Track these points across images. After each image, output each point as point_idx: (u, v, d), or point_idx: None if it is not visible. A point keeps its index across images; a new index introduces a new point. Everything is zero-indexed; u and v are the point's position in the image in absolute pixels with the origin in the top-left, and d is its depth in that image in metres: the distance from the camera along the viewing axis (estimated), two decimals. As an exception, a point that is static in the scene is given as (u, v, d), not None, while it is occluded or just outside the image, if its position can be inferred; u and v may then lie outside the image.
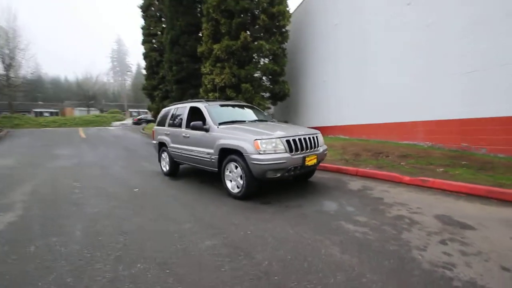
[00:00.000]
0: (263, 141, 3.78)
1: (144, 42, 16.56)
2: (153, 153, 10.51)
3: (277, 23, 10.99)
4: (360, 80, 9.33)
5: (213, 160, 4.46)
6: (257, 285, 1.93)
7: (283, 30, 11.42)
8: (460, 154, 5.88)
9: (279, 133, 4.02)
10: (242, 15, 11.02)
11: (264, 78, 11.66)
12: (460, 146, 6.18)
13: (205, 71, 11.56)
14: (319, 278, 1.97)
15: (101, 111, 43.53)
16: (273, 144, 3.80)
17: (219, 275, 2.07)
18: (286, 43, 11.80)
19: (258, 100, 11.18)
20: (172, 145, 5.72)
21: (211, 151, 4.47)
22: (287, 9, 11.20)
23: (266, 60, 11.68)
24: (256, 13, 10.84)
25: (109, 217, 3.45)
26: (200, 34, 14.24)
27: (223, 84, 10.97)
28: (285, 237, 2.69)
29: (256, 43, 11.01)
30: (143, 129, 19.36)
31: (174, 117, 5.89)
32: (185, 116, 5.44)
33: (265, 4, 10.64)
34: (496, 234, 2.56)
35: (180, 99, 14.28)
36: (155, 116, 17.84)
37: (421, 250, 2.33)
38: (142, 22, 17.19)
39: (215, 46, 11.15)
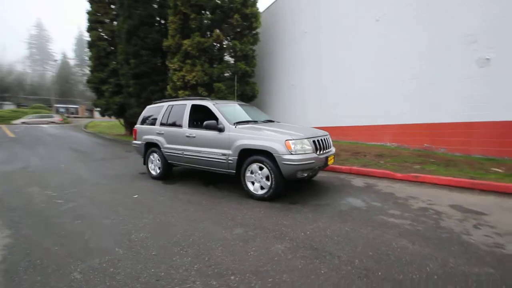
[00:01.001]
0: (294, 142, 3.81)
1: (90, 29, 14.50)
2: (117, 155, 9.47)
3: (249, 24, 11.03)
4: (327, 85, 10.06)
5: (230, 162, 4.28)
6: (371, 282, 1.98)
7: (254, 32, 11.53)
8: (425, 153, 6.91)
9: (304, 133, 4.11)
10: (214, 12, 10.73)
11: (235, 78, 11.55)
12: (423, 146, 7.25)
13: (174, 67, 10.86)
14: (417, 269, 2.14)
15: (18, 105, 36.53)
16: (303, 145, 3.87)
17: (326, 277, 2.05)
18: (255, 45, 11.94)
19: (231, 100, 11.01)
20: (167, 145, 5.26)
21: (228, 152, 4.28)
22: (259, 11, 11.35)
23: (233, 60, 11.62)
24: (229, 12, 10.66)
25: (140, 230, 3.01)
26: (164, 27, 13.38)
27: (194, 82, 10.48)
28: (347, 234, 2.79)
29: (229, 42, 10.85)
30: (85, 127, 17.02)
31: (169, 115, 5.42)
32: (186, 115, 5.07)
33: (238, 4, 10.56)
34: (506, 218, 3.15)
35: (139, 95, 13.08)
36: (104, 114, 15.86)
37: (467, 235, 2.72)
38: (87, 6, 15.06)
39: (185, 42, 10.59)
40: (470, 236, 2.70)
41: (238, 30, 11.05)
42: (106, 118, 19.09)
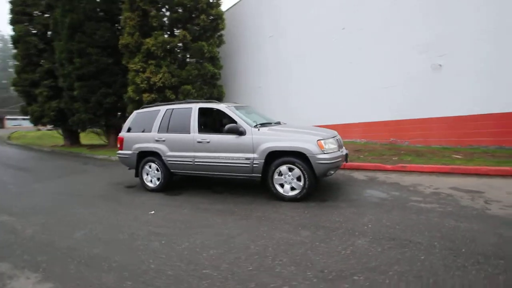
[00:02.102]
0: (325, 141, 3.97)
1: (14, 22, 11.89)
2: (71, 170, 8.13)
3: (215, 26, 10.80)
4: (294, 88, 10.60)
5: (255, 166, 4.19)
6: (467, 258, 2.24)
7: (219, 34, 11.33)
8: (393, 147, 7.91)
9: (326, 133, 4.30)
10: (177, 11, 10.17)
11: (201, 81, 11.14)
12: (389, 141, 8.28)
13: (135, 68, 9.87)
14: (486, 242, 2.50)
15: None
16: (331, 144, 4.06)
17: (431, 263, 2.21)
18: (220, 47, 11.74)
19: (201, 103, 10.58)
20: (171, 153, 4.83)
21: (252, 155, 4.18)
22: (223, 12, 11.21)
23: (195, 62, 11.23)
24: (194, 11, 10.23)
25: (205, 247, 2.72)
26: (116, 23, 12.03)
27: (161, 84, 9.73)
28: (403, 222, 3.06)
29: (196, 43, 10.41)
30: (9, 139, 14.03)
31: (169, 120, 4.96)
32: (193, 119, 4.73)
33: (204, 4, 10.22)
34: (501, 194, 3.88)
35: (87, 99, 11.44)
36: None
37: (489, 210, 3.29)
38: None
39: (148, 41, 9.77)
40: (491, 210, 3.28)
41: (203, 31, 10.71)
42: (28, 127, 16.02)
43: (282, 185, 4.13)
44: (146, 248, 2.74)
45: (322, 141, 3.94)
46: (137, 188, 5.47)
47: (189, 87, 10.07)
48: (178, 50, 10.32)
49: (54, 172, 7.67)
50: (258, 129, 4.29)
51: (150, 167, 5.12)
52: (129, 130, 5.41)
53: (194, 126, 4.71)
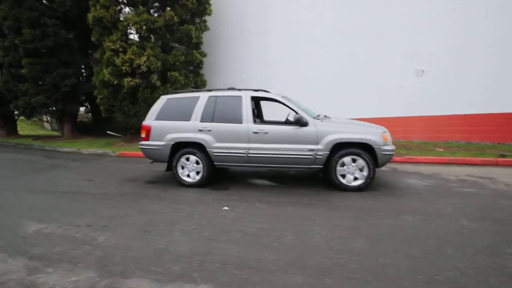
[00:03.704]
0: (387, 134, 4.25)
1: None
2: (46, 165, 6.66)
3: (203, 10, 10.10)
4: (281, 81, 10.80)
5: (318, 157, 4.22)
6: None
7: (204, 19, 10.65)
8: (381, 141, 8.84)
9: (380, 127, 4.59)
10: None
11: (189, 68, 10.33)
12: (375, 135, 9.22)
13: (113, 47, 8.51)
14: None
15: None
16: (389, 137, 4.37)
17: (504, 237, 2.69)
18: (203, 34, 11.04)
19: (188, 92, 9.84)
20: (218, 145, 4.46)
21: (316, 147, 4.20)
22: (210, -3, 10.55)
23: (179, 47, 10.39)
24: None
25: (347, 242, 2.66)
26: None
27: (146, 69, 8.67)
28: (469, 203, 3.56)
29: (183, 26, 9.56)
30: None
31: (214, 109, 4.54)
32: (246, 108, 4.47)
33: (191, -15, 9.45)
34: (509, 178, 4.80)
35: (40, 79, 9.39)
36: None
37: (517, 191, 4.07)
38: None
39: (130, 17, 8.58)
40: (520, 191, 4.08)
41: (190, 14, 9.92)
42: None
43: (343, 176, 4.27)
44: (284, 244, 2.53)
45: (386, 134, 4.22)
46: (164, 183, 4.88)
47: (176, 73, 9.26)
48: (161, 33, 9.31)
49: (22, 168, 6.15)
50: (322, 121, 4.32)
51: (188, 159, 4.61)
52: (159, 118, 4.74)
53: (248, 115, 4.43)
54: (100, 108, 9.66)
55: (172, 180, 5.07)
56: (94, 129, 13.35)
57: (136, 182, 5.04)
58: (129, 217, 3.30)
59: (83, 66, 9.85)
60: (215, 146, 4.46)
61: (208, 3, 10.17)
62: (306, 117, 4.27)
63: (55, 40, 9.09)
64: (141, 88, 8.86)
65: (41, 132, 11.66)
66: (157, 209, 3.58)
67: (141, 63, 8.51)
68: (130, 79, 8.56)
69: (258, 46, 11.31)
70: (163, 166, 5.63)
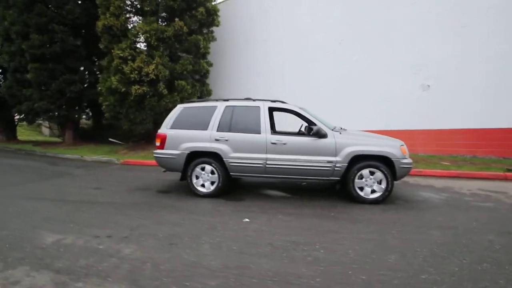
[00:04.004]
0: (405, 147, 4.27)
1: None
2: (49, 172, 6.51)
3: (211, 21, 10.25)
4: (287, 93, 10.89)
5: (337, 169, 4.20)
6: None
7: (211, 29, 10.80)
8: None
9: (396, 140, 4.61)
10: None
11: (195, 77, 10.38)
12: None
13: (122, 55, 8.52)
14: None
15: None
16: (407, 150, 4.38)
17: None
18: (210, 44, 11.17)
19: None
20: (235, 155, 4.42)
21: (335, 158, 4.19)
22: (218, 8, 10.73)
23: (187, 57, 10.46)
24: (192, 3, 9.48)
25: (383, 253, 2.61)
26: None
27: (154, 77, 8.67)
28: (491, 218, 3.55)
29: (191, 36, 9.66)
30: None
31: (231, 118, 4.52)
32: (264, 119, 4.47)
33: (201, -3, 9.61)
34: (517, 193, 4.84)
35: (45, 85, 9.31)
36: None
37: (534, 207, 4.08)
38: None
39: (141, 26, 8.63)
40: (537, 207, 4.09)
41: (198, 25, 10.05)
42: None
43: (361, 189, 4.24)
44: (318, 259, 2.46)
45: (404, 147, 4.24)
46: (177, 193, 4.81)
47: (183, 82, 9.28)
48: (170, 42, 9.37)
49: (28, 174, 6.00)
50: (340, 133, 4.33)
51: (203, 169, 4.54)
52: (174, 126, 4.69)
53: (266, 126, 4.42)
54: (105, 115, 9.57)
55: (185, 189, 4.99)
56: (95, 136, 13.19)
57: (148, 191, 4.95)
58: (149, 227, 3.20)
59: (86, 73, 9.78)
60: (232, 156, 4.42)
61: (217, 15, 10.35)
62: (325, 129, 4.28)
63: (63, 46, 9.07)
64: (148, 96, 8.84)
65: (39, 137, 11.42)
66: (176, 220, 3.49)
67: (150, 71, 8.52)
68: (138, 87, 8.54)
69: (263, 55, 11.46)
70: (173, 175, 5.59)
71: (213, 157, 4.50)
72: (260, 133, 4.40)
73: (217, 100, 4.87)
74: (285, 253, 2.58)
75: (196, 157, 4.57)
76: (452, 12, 7.94)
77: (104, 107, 9.18)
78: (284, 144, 4.32)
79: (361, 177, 4.20)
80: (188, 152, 4.53)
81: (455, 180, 5.92)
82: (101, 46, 9.00)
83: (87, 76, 10.17)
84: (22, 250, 2.60)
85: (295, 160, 4.29)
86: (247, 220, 3.50)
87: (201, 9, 9.49)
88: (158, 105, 8.99)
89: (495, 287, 2.04)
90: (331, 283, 2.07)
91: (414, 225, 3.34)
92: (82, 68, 9.48)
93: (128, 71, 8.40)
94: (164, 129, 4.75)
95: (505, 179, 5.93)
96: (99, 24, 8.70)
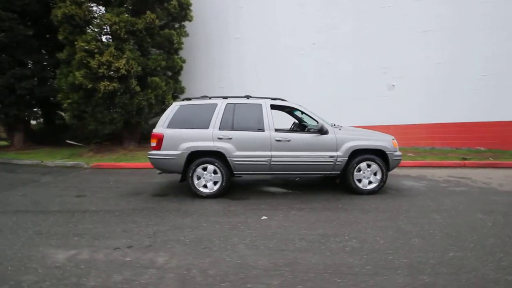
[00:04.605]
0: (395, 141, 4.66)
1: None
2: (10, 180, 5.60)
3: (184, 15, 9.81)
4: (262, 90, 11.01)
5: (338, 163, 4.42)
6: (547, 218, 3.39)
7: (182, 24, 10.34)
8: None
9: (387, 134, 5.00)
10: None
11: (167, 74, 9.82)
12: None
13: (87, 47, 7.68)
14: None
15: None
16: (396, 143, 4.78)
17: None
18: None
19: (169, 99, 9.38)
20: (239, 153, 4.36)
21: (336, 153, 4.40)
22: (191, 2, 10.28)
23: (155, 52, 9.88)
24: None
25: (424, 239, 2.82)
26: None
27: (125, 72, 8.01)
28: (468, 200, 4.10)
29: (163, 30, 9.12)
30: None
31: (233, 116, 4.44)
32: (268, 117, 4.48)
33: (173, -11, 9.13)
34: (482, 177, 5.62)
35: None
36: None
37: (500, 187, 4.80)
38: None
39: (109, 16, 7.88)
40: (502, 187, 4.81)
41: (171, 18, 9.56)
42: None
43: (359, 180, 4.53)
44: (355, 248, 2.58)
45: (394, 141, 4.63)
46: (175, 196, 4.57)
47: (157, 79, 8.76)
48: (141, 35, 8.73)
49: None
50: (339, 129, 4.55)
51: (204, 169, 4.38)
52: (171, 125, 4.42)
53: (269, 123, 4.43)
54: (66, 114, 8.55)
55: (181, 191, 4.79)
56: (47, 138, 11.70)
57: (142, 196, 4.60)
58: (168, 233, 3.00)
59: (42, 68, 8.56)
60: (236, 155, 4.34)
61: (189, 9, 9.93)
62: (326, 126, 4.46)
63: (11, 36, 7.81)
64: (119, 93, 8.13)
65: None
66: (192, 223, 3.32)
67: (121, 67, 7.83)
68: (108, 83, 7.79)
69: (237, 53, 11.35)
70: (159, 177, 5.39)
71: (216, 156, 4.37)
72: (264, 131, 4.41)
73: (215, 98, 4.73)
74: (322, 246, 2.66)
75: (197, 157, 4.39)
76: (414, 19, 8.83)
77: (65, 105, 8.18)
78: (289, 141, 4.39)
79: (359, 169, 4.48)
80: (189, 152, 4.32)
81: (425, 169, 6.67)
82: (60, 37, 7.98)
83: (40, 71, 8.91)
84: (34, 272, 2.24)
85: (299, 157, 4.39)
86: (265, 217, 3.50)
87: (174, 1, 9.02)
88: (131, 103, 8.34)
89: (508, 257, 2.39)
90: (381, 269, 2.21)
91: (414, 211, 3.70)
92: (37, 62, 8.26)
93: (95, 66, 7.60)
94: (160, 128, 4.45)
95: (464, 166, 6.87)
96: (58, 12, 7.69)
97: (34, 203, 4.25)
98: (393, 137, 4.71)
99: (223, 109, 4.48)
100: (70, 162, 7.62)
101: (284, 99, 4.85)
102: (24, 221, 3.45)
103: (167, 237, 2.89)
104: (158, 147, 4.40)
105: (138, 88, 8.43)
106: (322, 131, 4.38)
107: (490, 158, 7.44)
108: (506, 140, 8.37)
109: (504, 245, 2.62)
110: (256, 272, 2.19)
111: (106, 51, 7.82)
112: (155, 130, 4.47)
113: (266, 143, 4.38)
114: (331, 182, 5.23)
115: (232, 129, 4.41)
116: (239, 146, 4.37)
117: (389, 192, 4.62)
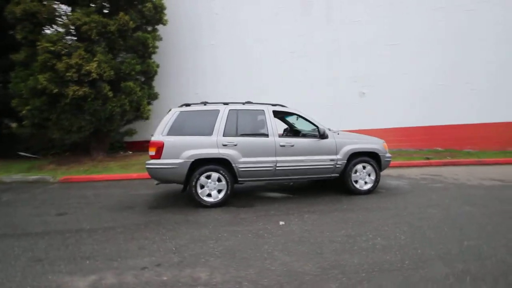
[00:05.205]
0: (385, 144, 5.03)
1: None
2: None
3: (159, 18, 9.41)
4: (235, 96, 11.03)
5: (338, 166, 4.64)
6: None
7: (156, 27, 9.91)
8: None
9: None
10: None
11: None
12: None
13: (52, 48, 6.89)
14: (494, 195, 4.39)
15: None
16: (386, 146, 5.16)
17: (502, 208, 3.75)
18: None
19: (145, 105, 8.87)
20: (245, 159, 4.32)
21: (336, 157, 4.61)
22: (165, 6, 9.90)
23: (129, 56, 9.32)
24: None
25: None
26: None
27: (97, 76, 7.37)
28: (450, 195, 4.61)
29: (137, 33, 8.63)
30: None
31: (237, 122, 4.37)
32: (271, 122, 4.52)
33: (147, -9, 8.73)
34: (451, 174, 6.33)
35: None
36: None
37: (469, 182, 5.45)
38: None
39: (77, 16, 7.22)
40: (469, 182, 5.47)
41: (145, 21, 9.10)
42: None
43: (356, 182, 4.78)
44: (384, 246, 2.70)
45: (385, 144, 5.00)
46: (174, 207, 4.29)
47: (131, 84, 8.24)
48: (113, 37, 8.15)
49: None
50: (338, 133, 4.77)
51: (208, 177, 4.21)
52: (172, 133, 4.18)
53: (273, 129, 4.45)
54: (24, 122, 7.50)
55: (179, 202, 4.58)
56: (-8, 150, 10.13)
57: (137, 209, 4.25)
58: (192, 247, 2.81)
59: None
60: (242, 161, 4.27)
61: (163, 12, 9.57)
62: (326, 131, 4.64)
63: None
64: (89, 99, 7.42)
65: None
66: (211, 234, 3.16)
67: (92, 70, 7.19)
68: (77, 87, 7.07)
69: (212, 60, 11.23)
70: (146, 189, 5.19)
71: (220, 163, 4.25)
72: (268, 136, 4.42)
73: (215, 104, 4.61)
74: (353, 246, 2.75)
75: (199, 165, 4.21)
76: (384, 32, 9.69)
77: (25, 111, 7.17)
78: (292, 146, 4.47)
79: (355, 171, 4.75)
80: (193, 160, 4.13)
81: (400, 169, 7.28)
82: (19, 37, 7.01)
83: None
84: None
85: (302, 161, 4.49)
86: (282, 223, 3.49)
87: (149, 4, 8.63)
88: (103, 109, 7.66)
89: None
90: (419, 263, 2.37)
91: (411, 207, 4.02)
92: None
93: (62, 69, 6.83)
94: (159, 136, 4.18)
95: (430, 165, 7.68)
96: (17, 9, 6.76)
97: (9, 225, 3.64)
98: (383, 141, 5.09)
99: (226, 115, 4.39)
100: (32, 177, 6.69)
101: (284, 105, 4.93)
102: (8, 247, 2.93)
103: (194, 251, 2.71)
104: (157, 156, 4.12)
105: (110, 94, 7.80)
106: (324, 136, 4.55)
107: (448, 157, 8.44)
108: (458, 141, 9.57)
109: (502, 231, 3.00)
110: (309, 277, 2.17)
111: (75, 53, 7.12)
112: (154, 138, 4.18)
113: (271, 149, 4.39)
114: (322, 185, 5.46)
115: (236, 135, 4.34)
116: (245, 153, 4.31)
117: (381, 192, 4.95)
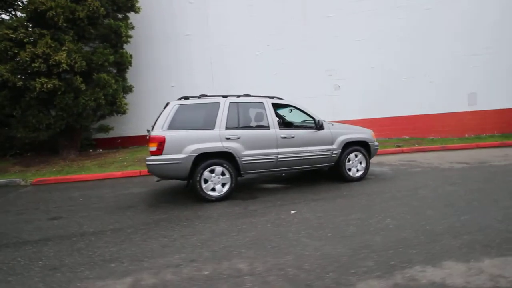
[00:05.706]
0: (373, 133, 5.39)
1: None
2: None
3: (130, 5, 8.79)
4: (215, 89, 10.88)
5: (334, 155, 4.89)
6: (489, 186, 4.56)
7: (127, 15, 9.25)
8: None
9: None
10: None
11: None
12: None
13: (13, 35, 6.08)
14: (475, 176, 5.02)
15: None
16: (374, 135, 5.52)
17: (483, 187, 4.31)
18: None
19: (121, 99, 8.32)
20: (248, 152, 4.35)
21: (332, 147, 4.86)
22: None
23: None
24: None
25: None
26: None
27: (67, 67, 6.71)
28: (432, 178, 5.14)
29: (109, 21, 7.99)
30: None
31: (238, 115, 4.36)
32: (271, 115, 4.59)
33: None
34: (425, 160, 6.99)
35: None
36: None
37: (440, 165, 6.09)
38: None
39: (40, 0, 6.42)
40: (441, 166, 6.11)
41: (116, 8, 8.45)
42: None
43: (349, 169, 5.08)
44: (399, 227, 2.94)
45: (373, 133, 5.35)
46: (178, 204, 4.17)
47: (105, 76, 7.67)
48: (83, 25, 7.44)
49: None
50: (332, 124, 4.99)
51: (212, 171, 4.15)
52: (173, 127, 4.01)
53: (273, 121, 4.52)
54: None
55: (181, 198, 4.50)
56: None
57: (137, 208, 4.06)
58: (217, 241, 2.79)
59: None
60: (245, 154, 4.28)
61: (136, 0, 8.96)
62: (321, 122, 4.83)
63: None
64: (59, 92, 6.74)
65: None
66: (230, 227, 3.16)
67: (62, 60, 6.51)
68: (46, 80, 6.36)
69: (187, 51, 10.85)
70: (139, 187, 5.15)
71: (224, 157, 4.21)
72: (269, 129, 4.48)
73: (214, 97, 4.52)
74: (370, 227, 2.96)
75: (202, 159, 4.13)
76: (351, 29, 10.18)
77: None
78: (292, 137, 4.59)
79: (349, 160, 5.04)
80: (196, 154, 4.03)
81: (378, 157, 7.83)
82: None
83: None
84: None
85: (302, 152, 4.64)
86: (294, 211, 3.61)
87: (120, -11, 8.02)
88: (75, 104, 7.02)
89: (499, 212, 3.20)
90: (433, 236, 2.66)
91: (403, 190, 4.41)
92: None
93: (27, 59, 6.08)
94: (160, 131, 4.00)
95: (403, 152, 8.40)
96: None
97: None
98: (371, 131, 5.45)
99: (227, 108, 4.34)
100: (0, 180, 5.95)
101: (281, 97, 5.01)
102: (9, 258, 2.63)
103: (222, 244, 2.71)
104: (159, 152, 3.95)
105: (83, 86, 7.17)
106: (321, 127, 4.74)
107: (416, 144, 9.29)
108: (422, 130, 10.55)
109: (488, 205, 3.47)
110: (345, 258, 2.32)
111: (41, 41, 6.38)
112: (154, 133, 3.99)
113: (273, 141, 4.47)
114: (313, 175, 5.71)
115: (238, 128, 4.33)
116: (248, 145, 4.32)
117: (371, 178, 5.33)
